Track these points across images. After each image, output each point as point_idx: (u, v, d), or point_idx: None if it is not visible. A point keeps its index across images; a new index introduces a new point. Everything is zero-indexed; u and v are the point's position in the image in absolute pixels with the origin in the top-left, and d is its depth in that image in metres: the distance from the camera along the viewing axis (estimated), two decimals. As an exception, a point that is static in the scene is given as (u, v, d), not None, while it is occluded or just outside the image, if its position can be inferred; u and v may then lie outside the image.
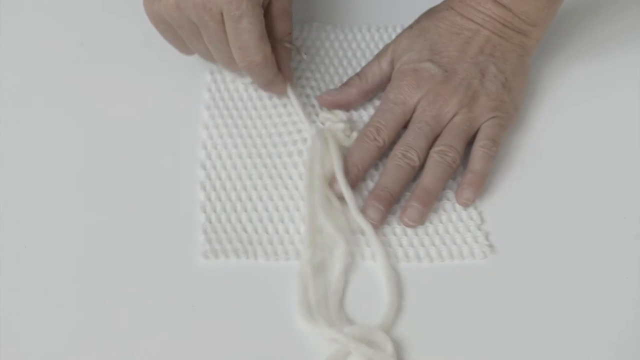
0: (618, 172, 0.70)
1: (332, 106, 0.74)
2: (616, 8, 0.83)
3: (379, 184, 0.67)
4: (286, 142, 0.71)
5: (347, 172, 0.67)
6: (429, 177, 0.67)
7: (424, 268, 0.64)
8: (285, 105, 0.74)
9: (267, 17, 0.69)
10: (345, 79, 0.76)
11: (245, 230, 0.65)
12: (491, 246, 0.65)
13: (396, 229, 0.66)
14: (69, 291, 0.62)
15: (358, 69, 0.76)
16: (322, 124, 0.72)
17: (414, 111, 0.70)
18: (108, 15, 0.82)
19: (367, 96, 0.75)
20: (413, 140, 0.68)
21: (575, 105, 0.75)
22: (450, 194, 0.68)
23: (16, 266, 0.63)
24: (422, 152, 0.68)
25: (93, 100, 0.75)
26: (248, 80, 0.75)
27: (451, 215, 0.67)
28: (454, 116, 0.70)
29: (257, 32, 0.66)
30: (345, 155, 0.69)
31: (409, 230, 0.66)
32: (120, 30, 0.80)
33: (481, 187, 0.68)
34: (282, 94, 0.73)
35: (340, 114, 0.72)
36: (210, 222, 0.65)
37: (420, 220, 0.66)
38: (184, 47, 0.72)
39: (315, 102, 0.75)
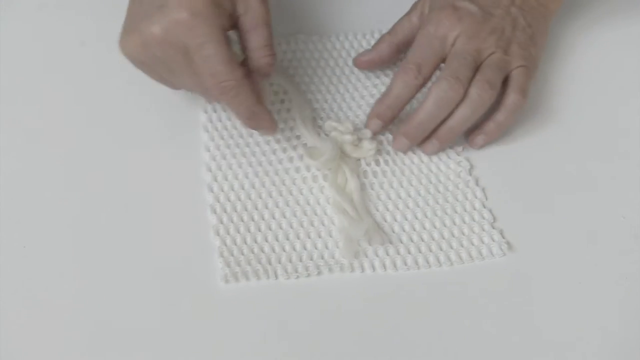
0: (617, 172, 0.71)
1: (368, 66, 0.76)
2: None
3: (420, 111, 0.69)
4: (292, 157, 0.71)
5: (383, 113, 0.70)
6: (460, 114, 0.69)
7: (445, 272, 0.64)
8: (285, 121, 0.73)
9: (240, 32, 0.67)
10: (338, 87, 0.77)
11: (262, 250, 0.65)
12: (508, 243, 0.65)
13: (413, 236, 0.66)
14: (70, 291, 0.62)
15: (350, 77, 0.77)
16: (327, 134, 0.72)
17: (452, 45, 0.71)
18: (108, 15, 0.81)
19: (399, 50, 0.76)
20: (460, 67, 0.69)
21: (574, 105, 0.76)
22: (462, 186, 0.69)
23: (15, 266, 0.63)
24: (467, 82, 0.69)
25: (93, 100, 0.75)
26: None
27: (464, 217, 0.67)
28: (492, 54, 0.71)
29: (223, 55, 0.64)
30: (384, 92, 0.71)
31: (426, 236, 0.66)
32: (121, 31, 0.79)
33: (495, 138, 0.71)
34: (270, 132, 0.69)
35: (347, 124, 0.71)
36: (225, 244, 0.65)
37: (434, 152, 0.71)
38: (168, 83, 0.70)
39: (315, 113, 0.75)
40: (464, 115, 0.69)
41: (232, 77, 0.64)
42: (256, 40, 0.67)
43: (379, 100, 0.71)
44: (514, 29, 0.72)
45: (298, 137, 0.72)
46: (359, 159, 0.70)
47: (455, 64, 0.69)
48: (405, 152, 0.71)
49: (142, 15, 0.65)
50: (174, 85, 0.71)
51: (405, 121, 0.70)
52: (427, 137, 0.70)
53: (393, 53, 0.76)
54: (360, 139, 0.71)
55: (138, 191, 0.68)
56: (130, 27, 0.66)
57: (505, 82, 0.71)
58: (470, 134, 0.71)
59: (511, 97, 0.70)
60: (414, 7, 0.76)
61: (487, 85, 0.68)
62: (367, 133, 0.71)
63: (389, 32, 0.76)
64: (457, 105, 0.69)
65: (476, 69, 0.70)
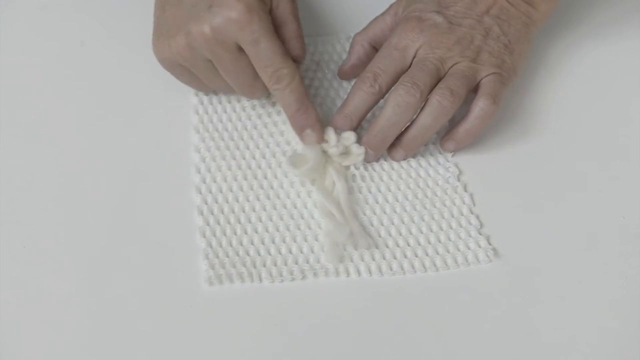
0: (617, 171, 0.70)
1: (352, 72, 0.76)
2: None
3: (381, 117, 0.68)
4: (281, 161, 0.70)
5: (341, 122, 0.69)
6: (420, 122, 0.68)
7: (431, 277, 0.64)
8: (276, 124, 0.73)
9: (274, 26, 0.68)
10: (330, 92, 0.77)
11: (247, 253, 0.64)
12: (494, 249, 0.65)
13: (399, 241, 0.65)
14: (68, 299, 0.62)
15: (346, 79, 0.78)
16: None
17: (414, 57, 0.70)
18: (108, 15, 0.82)
19: (375, 48, 0.75)
20: (418, 73, 0.69)
21: (565, 112, 0.76)
22: (450, 191, 0.68)
23: (15, 267, 0.63)
24: (426, 88, 0.68)
25: (93, 100, 0.75)
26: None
27: (451, 223, 0.67)
28: (457, 63, 0.70)
29: (277, 48, 0.66)
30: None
31: (412, 241, 0.66)
32: (121, 31, 0.80)
33: (466, 144, 0.70)
34: (317, 131, 0.69)
35: (331, 134, 0.69)
36: (211, 246, 0.64)
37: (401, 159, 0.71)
38: (201, 85, 0.72)
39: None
40: (424, 123, 0.68)
41: (287, 65, 0.67)
42: (287, 33, 0.69)
43: (336, 111, 0.70)
44: (486, 37, 0.71)
45: (288, 143, 0.72)
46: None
47: (414, 71, 0.69)
48: (372, 162, 0.70)
49: (186, 18, 0.66)
50: (204, 87, 0.73)
51: (366, 131, 0.69)
52: (393, 145, 0.70)
53: (369, 52, 0.75)
54: (346, 146, 0.69)
55: (130, 191, 0.69)
56: (171, 30, 0.67)
57: (476, 89, 0.70)
58: (441, 140, 0.71)
59: (479, 104, 0.69)
60: (389, 8, 0.76)
61: (448, 92, 0.68)
62: (351, 137, 0.69)
63: (360, 32, 0.76)
64: (419, 113, 0.68)
65: (439, 78, 0.69)
